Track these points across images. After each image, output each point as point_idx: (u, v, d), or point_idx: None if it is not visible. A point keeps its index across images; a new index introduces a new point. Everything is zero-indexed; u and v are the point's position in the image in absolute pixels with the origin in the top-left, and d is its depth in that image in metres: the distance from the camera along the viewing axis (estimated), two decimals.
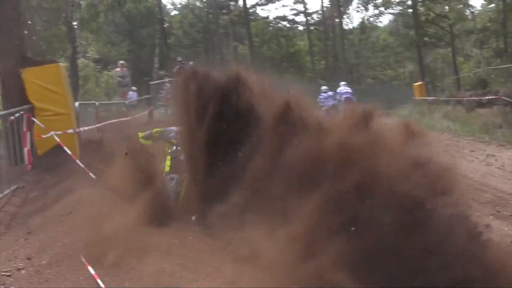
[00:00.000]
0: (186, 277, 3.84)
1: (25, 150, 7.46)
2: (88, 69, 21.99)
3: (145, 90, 18.91)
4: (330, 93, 15.72)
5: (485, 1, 28.95)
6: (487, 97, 15.87)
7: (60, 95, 7.83)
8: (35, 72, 7.70)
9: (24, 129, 7.43)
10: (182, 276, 3.87)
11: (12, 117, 7.12)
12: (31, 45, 7.89)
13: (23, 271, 4.34)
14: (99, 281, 3.72)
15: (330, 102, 15.11)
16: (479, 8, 32.48)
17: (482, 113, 15.25)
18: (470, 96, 17.78)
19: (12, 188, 6.65)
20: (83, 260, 4.10)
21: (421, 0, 29.68)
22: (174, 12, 43.10)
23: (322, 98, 15.41)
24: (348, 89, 15.66)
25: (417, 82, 27.13)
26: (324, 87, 16.50)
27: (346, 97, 15.11)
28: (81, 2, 26.91)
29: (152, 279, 3.81)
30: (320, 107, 14.18)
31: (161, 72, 24.60)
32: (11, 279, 4.24)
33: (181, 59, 18.67)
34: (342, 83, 16.34)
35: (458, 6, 26.18)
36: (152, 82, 19.66)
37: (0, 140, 7.88)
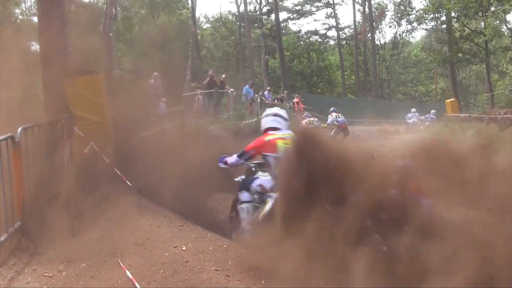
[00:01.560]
0: None
1: (65, 158, 7.74)
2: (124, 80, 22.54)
3: (177, 102, 19.18)
4: (417, 113, 24.63)
5: None
6: None
7: (99, 105, 8.07)
8: (77, 82, 7.97)
9: (64, 138, 7.71)
10: None
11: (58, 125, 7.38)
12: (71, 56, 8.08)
13: (64, 273, 4.56)
14: (136, 284, 3.86)
15: (415, 119, 24.07)
16: None
17: None
18: (505, 113, 17.42)
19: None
20: (121, 263, 4.27)
21: (456, 16, 29.32)
22: (206, 25, 43.98)
23: (410, 115, 24.52)
24: (434, 117, 24.64)
25: (449, 98, 26.79)
26: (413, 109, 25.11)
27: (431, 119, 24.34)
28: (118, 14, 27.69)
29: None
30: (408, 121, 24.06)
31: (193, 84, 24.99)
32: (53, 280, 4.47)
33: (212, 71, 19.06)
34: (432, 111, 25.37)
35: (494, 22, 25.68)
36: (184, 94, 20.01)
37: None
